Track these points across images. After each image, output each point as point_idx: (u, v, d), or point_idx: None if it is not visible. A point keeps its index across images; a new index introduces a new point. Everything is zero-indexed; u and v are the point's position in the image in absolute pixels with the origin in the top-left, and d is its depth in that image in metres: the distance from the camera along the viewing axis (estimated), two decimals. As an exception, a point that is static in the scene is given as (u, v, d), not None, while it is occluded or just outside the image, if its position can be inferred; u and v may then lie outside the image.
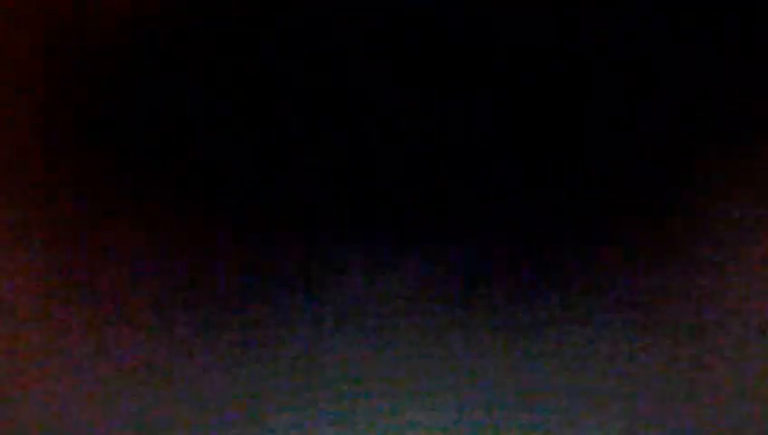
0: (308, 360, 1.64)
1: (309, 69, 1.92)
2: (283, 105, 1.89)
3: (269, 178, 1.83)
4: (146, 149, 1.87)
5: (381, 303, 1.70)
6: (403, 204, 1.79)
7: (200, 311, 1.69)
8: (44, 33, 1.92)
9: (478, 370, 1.63)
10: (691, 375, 1.62)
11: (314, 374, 1.62)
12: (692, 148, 1.84)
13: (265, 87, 1.92)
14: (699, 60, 1.91)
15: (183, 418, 1.58)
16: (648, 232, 1.77)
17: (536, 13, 1.91)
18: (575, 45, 1.91)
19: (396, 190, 1.81)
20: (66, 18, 1.93)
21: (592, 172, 1.82)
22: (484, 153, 1.85)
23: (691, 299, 1.70)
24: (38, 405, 1.60)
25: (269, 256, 1.75)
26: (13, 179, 1.83)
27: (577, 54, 1.92)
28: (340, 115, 1.88)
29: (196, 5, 1.95)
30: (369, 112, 1.88)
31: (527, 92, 1.89)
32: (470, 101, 1.89)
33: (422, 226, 1.77)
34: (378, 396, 1.60)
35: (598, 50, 1.92)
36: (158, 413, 1.58)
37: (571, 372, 1.63)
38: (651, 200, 1.80)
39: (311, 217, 1.79)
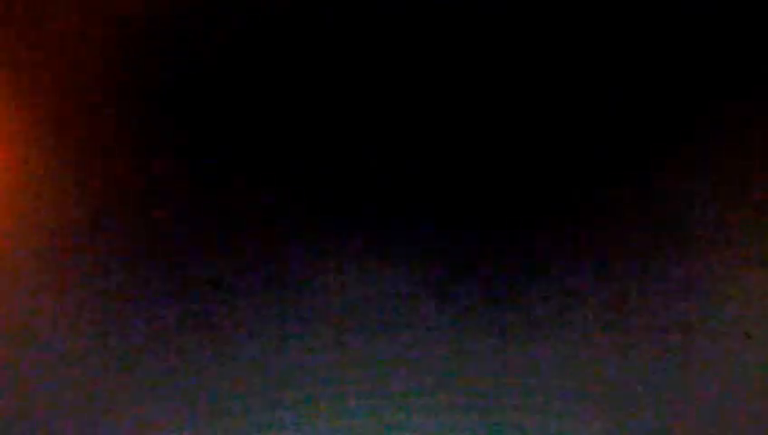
0: (289, 358, 1.64)
1: (303, 68, 1.92)
2: (274, 105, 1.89)
3: (251, 178, 1.83)
4: (130, 146, 1.87)
5: (364, 302, 1.70)
6: (388, 201, 1.79)
7: (179, 307, 1.69)
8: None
9: (463, 369, 1.63)
10: (676, 377, 1.62)
11: (294, 374, 1.62)
12: (680, 148, 1.84)
13: (259, 87, 1.92)
14: (694, 61, 1.91)
15: (166, 416, 1.58)
16: (635, 234, 1.76)
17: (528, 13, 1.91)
18: (572, 47, 1.91)
19: (380, 188, 1.80)
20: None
21: (580, 173, 1.82)
22: (472, 151, 1.85)
23: (677, 301, 1.69)
24: (26, 398, 1.61)
25: (251, 254, 1.74)
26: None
27: (573, 55, 1.91)
28: (328, 117, 1.88)
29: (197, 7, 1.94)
30: (358, 114, 1.88)
31: (514, 93, 1.89)
32: (457, 102, 1.88)
33: (407, 223, 1.77)
34: (359, 397, 1.60)
35: (594, 51, 1.91)
36: (135, 411, 1.58)
37: (560, 371, 1.62)
38: (638, 203, 1.79)
39: (292, 217, 1.79)
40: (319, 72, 1.90)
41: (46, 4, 1.97)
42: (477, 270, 1.72)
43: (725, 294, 1.69)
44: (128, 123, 1.89)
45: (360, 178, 1.80)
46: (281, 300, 1.70)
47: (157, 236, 1.77)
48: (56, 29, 1.95)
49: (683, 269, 1.72)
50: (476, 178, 1.81)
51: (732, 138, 1.85)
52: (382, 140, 1.84)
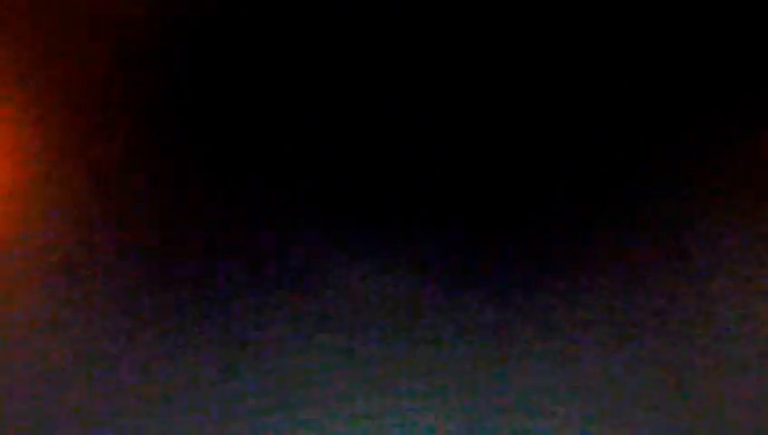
0: (299, 360, 1.64)
1: (312, 69, 1.92)
2: (286, 106, 1.89)
3: (262, 179, 1.83)
4: (132, 144, 1.87)
5: (375, 304, 1.70)
6: (399, 205, 1.79)
7: (186, 307, 1.69)
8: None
9: (473, 372, 1.63)
10: (680, 375, 1.63)
11: (299, 376, 1.62)
12: (682, 150, 1.85)
13: (269, 87, 1.92)
14: (698, 66, 1.92)
15: (171, 417, 1.58)
16: (640, 235, 1.77)
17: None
18: (573, 49, 1.92)
19: (392, 192, 1.80)
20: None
21: (586, 175, 1.82)
22: (483, 157, 1.85)
23: (681, 300, 1.70)
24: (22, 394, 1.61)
25: (255, 255, 1.74)
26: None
27: (576, 59, 1.92)
28: (340, 120, 1.88)
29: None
30: (369, 117, 1.88)
31: (521, 95, 1.89)
32: (464, 106, 1.89)
33: (418, 227, 1.77)
34: (368, 398, 1.60)
35: (596, 55, 1.92)
36: (146, 413, 1.59)
37: (568, 373, 1.63)
38: (643, 205, 1.80)
39: (303, 221, 1.79)
40: (328, 73, 1.90)
41: (50, 4, 1.97)
42: (487, 273, 1.72)
43: (728, 294, 1.69)
44: (137, 123, 1.88)
45: (372, 182, 1.81)
46: (291, 302, 1.70)
47: (167, 237, 1.77)
48: (63, 28, 1.95)
49: (686, 270, 1.72)
50: (487, 184, 1.81)
51: (733, 138, 1.86)
52: (396, 144, 1.84)
